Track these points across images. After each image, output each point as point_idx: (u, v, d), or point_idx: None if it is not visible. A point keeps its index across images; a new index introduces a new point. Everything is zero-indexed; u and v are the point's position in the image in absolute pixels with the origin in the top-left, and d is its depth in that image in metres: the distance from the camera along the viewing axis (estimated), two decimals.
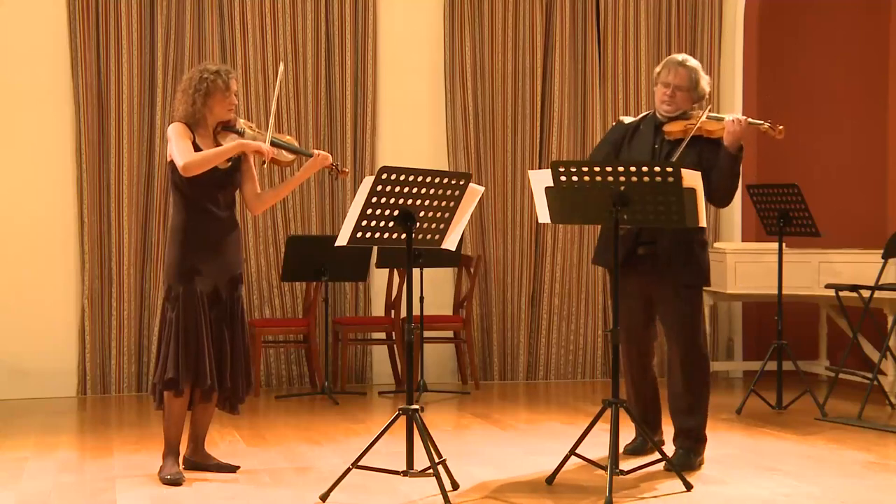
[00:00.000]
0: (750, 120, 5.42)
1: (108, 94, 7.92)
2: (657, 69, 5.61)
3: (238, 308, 5.30)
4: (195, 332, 5.13)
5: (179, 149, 5.12)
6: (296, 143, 5.49)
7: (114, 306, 7.93)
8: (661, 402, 5.76)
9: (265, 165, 5.31)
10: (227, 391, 5.28)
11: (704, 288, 5.67)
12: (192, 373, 5.13)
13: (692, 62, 5.54)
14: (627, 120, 5.70)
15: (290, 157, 5.42)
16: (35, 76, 7.90)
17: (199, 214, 5.21)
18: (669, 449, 5.52)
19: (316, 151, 5.37)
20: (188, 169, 5.09)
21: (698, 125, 5.37)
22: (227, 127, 5.31)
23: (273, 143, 5.33)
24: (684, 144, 5.34)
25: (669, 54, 8.72)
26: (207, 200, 5.21)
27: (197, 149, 5.18)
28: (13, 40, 7.86)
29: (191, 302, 5.15)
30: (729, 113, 5.53)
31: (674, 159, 5.24)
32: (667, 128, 5.48)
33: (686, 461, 5.40)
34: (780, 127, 5.43)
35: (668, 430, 5.77)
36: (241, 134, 5.32)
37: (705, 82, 5.56)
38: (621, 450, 5.59)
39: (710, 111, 5.45)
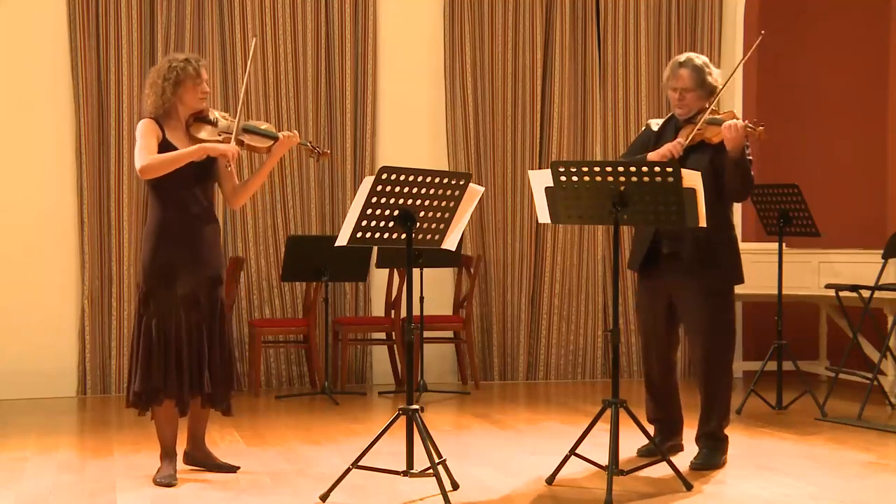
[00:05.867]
0: (748, 124, 5.25)
1: (108, 94, 7.92)
2: (664, 74, 5.52)
3: (217, 311, 5.12)
4: (165, 343, 4.99)
5: (141, 147, 4.96)
6: (272, 129, 5.33)
7: (114, 306, 7.93)
8: (681, 409, 5.71)
9: (239, 157, 5.15)
10: (207, 397, 5.14)
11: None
12: (163, 385, 5.00)
13: (696, 60, 5.43)
14: (654, 124, 5.63)
15: (267, 142, 5.25)
16: (35, 76, 7.90)
17: (177, 210, 5.05)
18: (689, 450, 5.54)
19: (282, 134, 5.24)
20: (145, 171, 4.94)
21: (691, 136, 5.31)
22: (200, 118, 5.16)
23: (246, 129, 5.21)
24: (687, 151, 5.29)
25: (669, 54, 8.82)
26: (186, 195, 5.05)
27: (166, 144, 5.03)
28: (13, 40, 7.86)
29: (165, 310, 5.02)
30: (729, 111, 5.42)
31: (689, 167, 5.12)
32: (682, 132, 5.41)
33: (709, 461, 5.43)
34: (761, 128, 5.25)
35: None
36: (213, 124, 5.17)
37: (713, 77, 5.43)
38: (634, 454, 5.62)
39: (710, 114, 5.34)
